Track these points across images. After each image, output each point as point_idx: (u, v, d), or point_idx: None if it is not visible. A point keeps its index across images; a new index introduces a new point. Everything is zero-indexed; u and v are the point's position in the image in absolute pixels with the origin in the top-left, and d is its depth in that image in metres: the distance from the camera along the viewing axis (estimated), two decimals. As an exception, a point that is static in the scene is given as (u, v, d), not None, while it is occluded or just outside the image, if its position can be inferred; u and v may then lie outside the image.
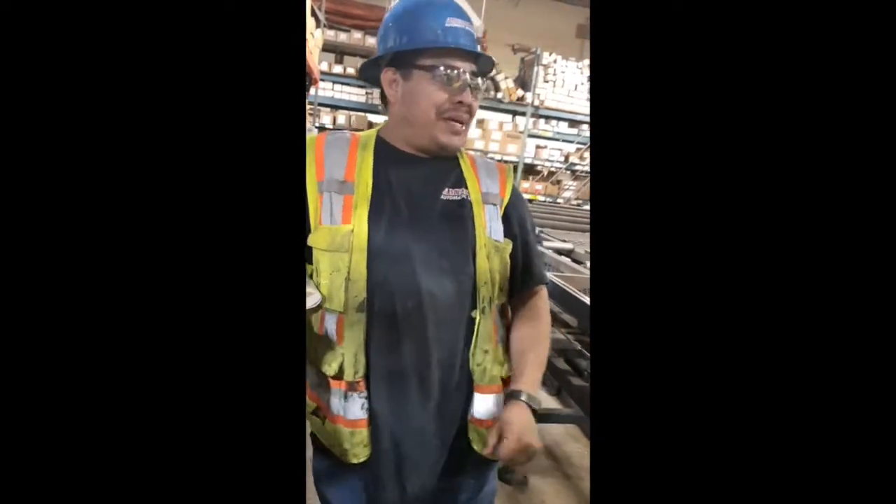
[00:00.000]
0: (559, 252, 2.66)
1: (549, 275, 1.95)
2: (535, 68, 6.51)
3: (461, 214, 0.88)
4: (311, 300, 0.82)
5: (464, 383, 0.90)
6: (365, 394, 0.86)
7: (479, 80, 0.87)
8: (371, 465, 0.89)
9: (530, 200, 6.36)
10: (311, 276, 0.87)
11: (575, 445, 2.40)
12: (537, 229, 3.46)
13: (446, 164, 0.91)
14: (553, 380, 2.83)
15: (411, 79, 0.85)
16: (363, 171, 0.86)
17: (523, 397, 0.85)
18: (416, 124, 0.86)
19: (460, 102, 0.84)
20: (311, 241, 0.84)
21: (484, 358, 0.89)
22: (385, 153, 0.89)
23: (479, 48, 0.87)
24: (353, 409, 0.86)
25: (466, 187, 0.90)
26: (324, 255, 0.83)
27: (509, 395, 0.88)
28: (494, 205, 0.91)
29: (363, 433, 0.87)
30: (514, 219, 0.93)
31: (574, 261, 2.47)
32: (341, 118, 6.06)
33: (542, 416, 2.22)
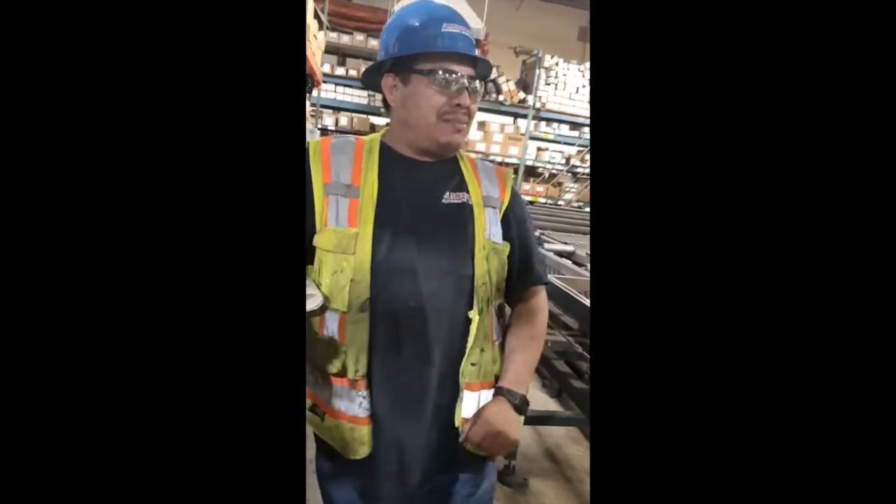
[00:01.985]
0: (560, 254, 2.65)
1: (550, 277, 1.95)
2: (537, 71, 6.51)
3: (462, 217, 0.90)
4: (313, 302, 0.83)
5: (458, 381, 0.91)
6: (364, 392, 0.88)
7: (477, 83, 0.89)
8: (371, 463, 0.91)
9: (531, 203, 6.36)
10: (310, 277, 0.88)
11: (575, 448, 2.40)
12: (538, 231, 3.46)
13: (448, 168, 0.94)
14: (554, 382, 2.83)
15: (410, 83, 0.87)
16: (369, 176, 0.89)
17: (503, 392, 0.90)
18: (416, 127, 0.89)
19: (458, 105, 0.87)
20: (316, 241, 0.87)
21: (480, 357, 0.91)
22: (389, 158, 0.92)
23: (476, 52, 0.89)
24: (353, 406, 0.88)
25: (468, 191, 0.93)
26: (328, 256, 0.86)
27: (494, 391, 0.92)
28: (494, 208, 0.93)
29: (363, 430, 0.88)
30: (513, 221, 0.96)
31: (575, 263, 2.47)
32: (343, 120, 6.07)
33: (542, 419, 2.24)
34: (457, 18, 0.89)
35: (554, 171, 7.01)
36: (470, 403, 0.91)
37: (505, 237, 0.93)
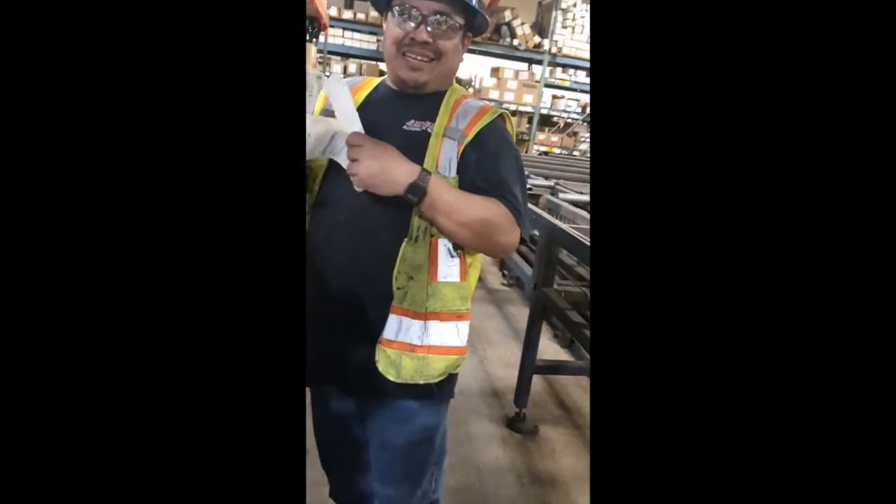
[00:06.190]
0: (575, 204, 2.61)
1: (565, 226, 1.91)
2: (554, 13, 6.23)
3: (415, 145, 0.90)
4: None
5: (387, 301, 0.92)
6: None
7: (443, 18, 0.89)
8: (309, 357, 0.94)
9: (546, 153, 6.23)
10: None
11: (585, 396, 2.43)
12: (552, 181, 3.39)
13: (427, 101, 0.95)
14: (565, 332, 2.84)
15: (386, 19, 0.94)
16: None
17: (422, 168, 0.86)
18: (386, 60, 0.96)
19: (413, 39, 0.90)
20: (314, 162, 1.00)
21: (408, 283, 0.91)
22: (380, 92, 1.00)
23: None
24: None
25: (433, 121, 0.93)
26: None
27: None
28: (453, 140, 0.91)
29: None
30: (473, 155, 0.91)
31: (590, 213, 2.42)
32: (352, 67, 5.90)
33: (553, 368, 2.26)
34: None
35: (569, 121, 6.82)
36: (391, 325, 0.92)
37: (459, 170, 0.90)
